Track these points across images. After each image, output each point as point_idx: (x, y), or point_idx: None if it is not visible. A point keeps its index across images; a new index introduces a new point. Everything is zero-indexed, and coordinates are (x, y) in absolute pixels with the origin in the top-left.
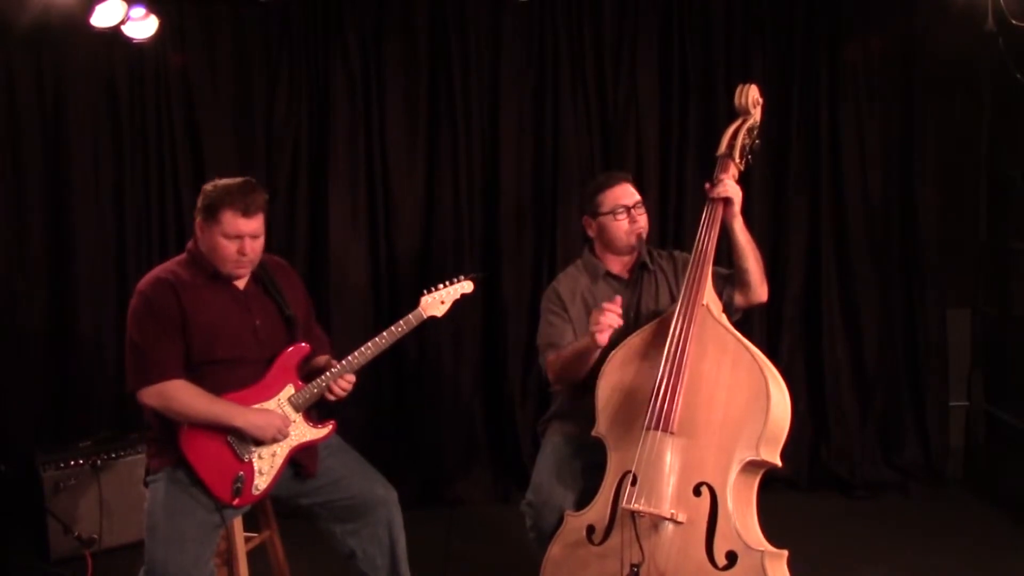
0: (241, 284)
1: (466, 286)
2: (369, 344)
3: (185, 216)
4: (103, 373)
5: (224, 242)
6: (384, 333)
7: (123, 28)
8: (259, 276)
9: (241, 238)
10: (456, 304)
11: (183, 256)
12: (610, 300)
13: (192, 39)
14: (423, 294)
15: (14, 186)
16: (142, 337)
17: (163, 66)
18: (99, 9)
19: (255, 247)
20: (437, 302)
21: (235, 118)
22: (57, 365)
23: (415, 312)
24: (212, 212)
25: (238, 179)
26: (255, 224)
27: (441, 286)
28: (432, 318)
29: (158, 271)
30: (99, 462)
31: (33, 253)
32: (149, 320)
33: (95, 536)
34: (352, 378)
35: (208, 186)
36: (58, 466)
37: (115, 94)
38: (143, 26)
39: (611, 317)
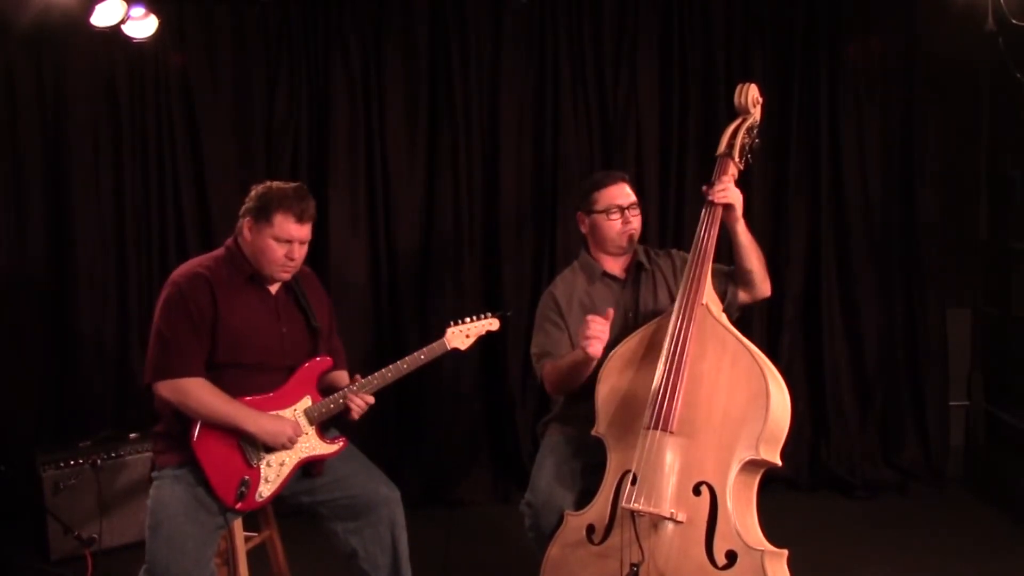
0: (273, 290)
1: (492, 324)
2: (390, 367)
3: (185, 216)
4: (103, 373)
5: (274, 245)
6: (407, 359)
7: (123, 28)
8: (290, 285)
9: (291, 243)
10: (480, 339)
11: (220, 252)
12: (606, 302)
13: (192, 39)
14: (449, 325)
15: (14, 185)
16: (170, 330)
17: (163, 66)
18: (99, 9)
19: (302, 253)
20: (462, 335)
21: (235, 118)
22: (57, 365)
23: (439, 342)
24: (265, 213)
25: (292, 184)
26: (306, 231)
27: (468, 320)
28: (455, 350)
29: (195, 265)
30: (99, 462)
31: (33, 253)
32: (181, 314)
33: (95, 536)
34: (370, 398)
35: (260, 187)
36: (58, 466)
37: (115, 94)
38: (143, 26)
39: (595, 328)
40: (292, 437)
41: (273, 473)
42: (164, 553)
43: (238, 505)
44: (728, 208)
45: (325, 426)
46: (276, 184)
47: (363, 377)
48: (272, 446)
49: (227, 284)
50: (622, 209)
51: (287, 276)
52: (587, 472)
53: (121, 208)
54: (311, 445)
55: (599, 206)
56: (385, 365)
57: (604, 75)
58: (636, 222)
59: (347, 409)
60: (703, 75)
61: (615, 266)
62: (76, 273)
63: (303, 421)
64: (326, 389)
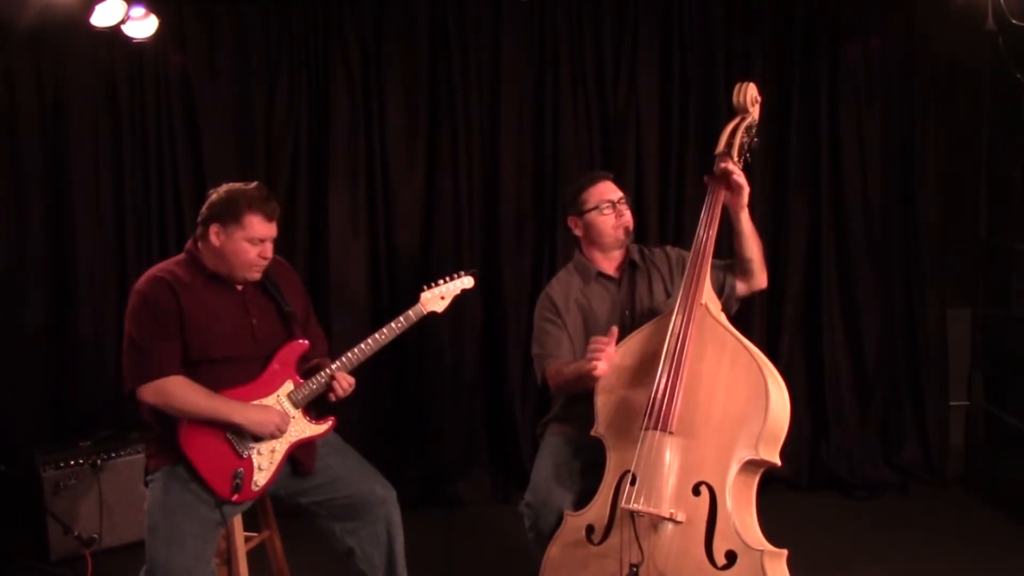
0: (239, 284)
1: (467, 281)
2: (369, 340)
3: (185, 216)
4: (103, 373)
5: (247, 246)
6: (384, 329)
7: (123, 28)
8: None
9: (263, 242)
10: (456, 300)
11: (181, 257)
12: (603, 303)
13: (192, 39)
14: (423, 290)
15: (14, 186)
16: (140, 335)
17: (163, 66)
18: (99, 9)
19: (271, 251)
20: (437, 297)
21: (235, 118)
22: (57, 365)
23: (415, 308)
24: (235, 217)
25: (251, 184)
26: (275, 228)
27: (441, 281)
28: (432, 314)
29: (155, 271)
30: (99, 462)
31: (33, 253)
32: (147, 319)
33: (95, 536)
34: (352, 380)
35: (221, 192)
36: (58, 466)
37: (115, 94)
38: (143, 26)
39: (597, 348)
40: (280, 426)
41: (266, 461)
42: (163, 553)
43: (235, 497)
44: (737, 194)
45: (314, 408)
46: (236, 186)
47: (343, 357)
48: (260, 436)
49: (188, 284)
50: (613, 203)
51: (258, 275)
52: (587, 472)
53: (121, 208)
54: (300, 428)
55: (590, 204)
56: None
57: (604, 75)
58: (628, 215)
59: (330, 388)
60: (703, 75)
61: (609, 265)
62: (76, 273)
63: (287, 406)
64: (308, 373)
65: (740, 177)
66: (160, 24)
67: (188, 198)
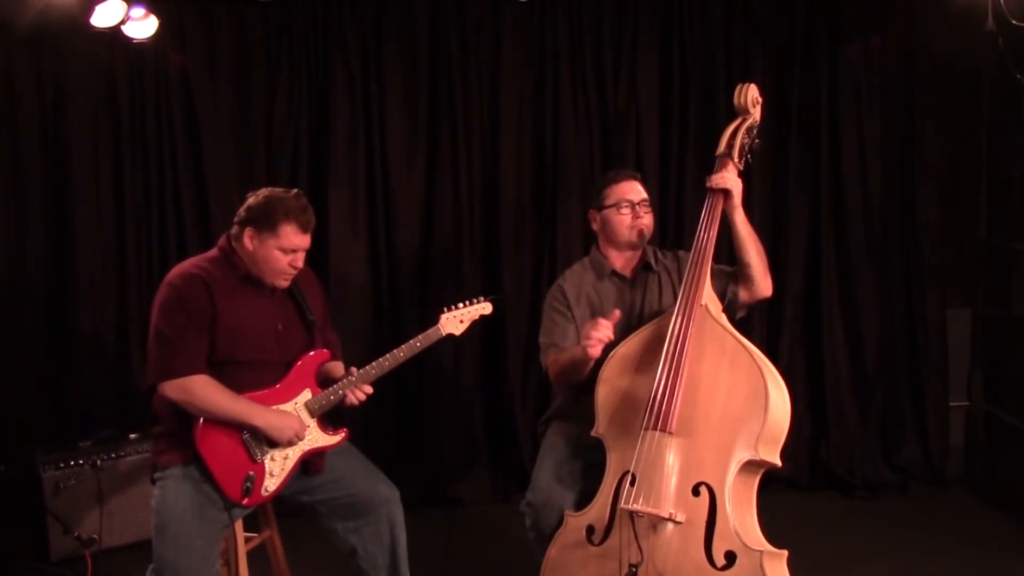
0: (267, 288)
1: (485, 307)
2: (387, 356)
3: (185, 216)
4: (103, 373)
5: (279, 255)
6: (403, 347)
7: (123, 28)
8: None
9: (296, 252)
10: (474, 323)
11: (214, 254)
12: (612, 300)
13: (192, 39)
14: (442, 312)
15: (14, 186)
16: (171, 329)
17: (163, 66)
18: (99, 9)
19: (302, 260)
20: (456, 321)
21: (235, 118)
22: (57, 365)
23: (434, 329)
24: (271, 224)
25: (290, 192)
26: (309, 239)
27: (461, 305)
28: (450, 336)
29: (189, 266)
30: (99, 462)
31: (33, 253)
32: (180, 313)
33: (95, 536)
34: (369, 388)
35: (259, 196)
36: (58, 466)
37: (115, 94)
38: (143, 26)
39: (603, 331)
40: (299, 433)
41: (277, 467)
42: (171, 553)
43: (244, 500)
44: (727, 195)
45: (326, 417)
46: (276, 193)
47: (359, 369)
48: (277, 441)
49: (223, 283)
50: (632, 204)
51: (287, 283)
52: (587, 472)
53: (121, 208)
54: (313, 437)
55: (609, 201)
56: None
57: (604, 75)
58: (647, 219)
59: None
60: (703, 75)
61: (624, 265)
62: (76, 273)
63: (304, 414)
64: (323, 380)
65: (723, 180)
66: (160, 24)
67: (188, 198)
